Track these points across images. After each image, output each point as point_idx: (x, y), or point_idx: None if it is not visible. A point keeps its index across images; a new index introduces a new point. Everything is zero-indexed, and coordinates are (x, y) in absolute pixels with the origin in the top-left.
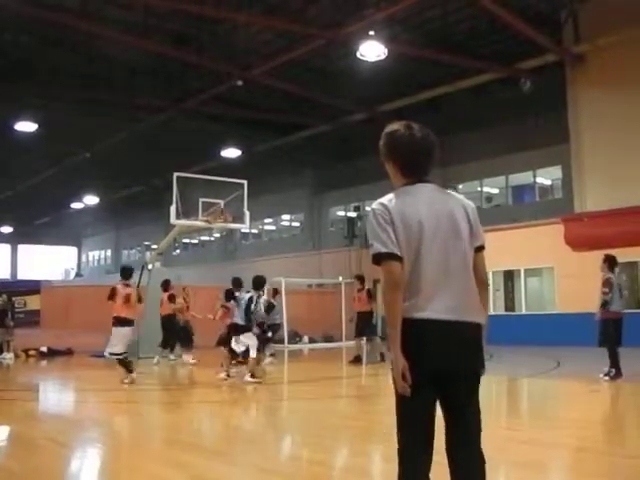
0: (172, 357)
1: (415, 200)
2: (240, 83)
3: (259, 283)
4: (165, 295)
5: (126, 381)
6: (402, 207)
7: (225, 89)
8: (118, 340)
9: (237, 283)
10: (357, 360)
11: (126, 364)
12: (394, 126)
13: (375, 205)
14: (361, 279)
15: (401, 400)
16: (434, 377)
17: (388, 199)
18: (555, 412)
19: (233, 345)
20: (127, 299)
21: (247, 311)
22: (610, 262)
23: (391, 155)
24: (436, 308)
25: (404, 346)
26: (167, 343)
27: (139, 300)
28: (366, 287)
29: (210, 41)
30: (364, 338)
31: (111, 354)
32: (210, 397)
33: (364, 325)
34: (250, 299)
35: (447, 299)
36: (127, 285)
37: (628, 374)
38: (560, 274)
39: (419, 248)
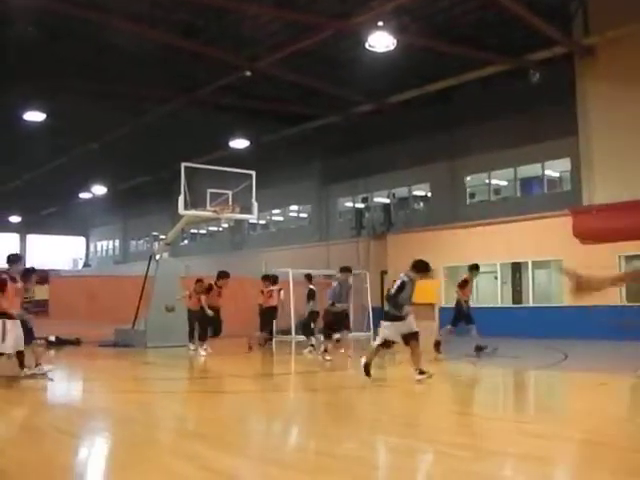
0: (192, 347)
1: None
2: (248, 74)
3: (421, 267)
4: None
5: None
6: None
7: (233, 80)
8: None
9: None
10: (439, 346)
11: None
12: None
13: None
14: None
15: None
16: None
17: None
18: (565, 405)
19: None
20: None
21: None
22: None
23: None
24: None
25: None
26: (216, 332)
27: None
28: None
29: (218, 32)
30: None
31: None
32: (221, 388)
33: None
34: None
35: None
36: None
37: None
38: (568, 267)
39: None
